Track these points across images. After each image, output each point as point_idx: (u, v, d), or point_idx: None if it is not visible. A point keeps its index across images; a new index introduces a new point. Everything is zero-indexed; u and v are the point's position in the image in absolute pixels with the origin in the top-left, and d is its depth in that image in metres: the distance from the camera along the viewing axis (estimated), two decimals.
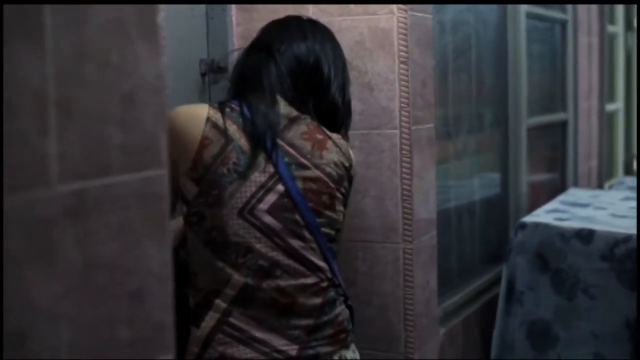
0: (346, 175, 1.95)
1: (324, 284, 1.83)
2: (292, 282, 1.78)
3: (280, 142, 1.84)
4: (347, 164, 1.95)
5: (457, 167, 3.45)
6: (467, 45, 3.47)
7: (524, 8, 3.88)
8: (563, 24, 4.72)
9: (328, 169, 1.89)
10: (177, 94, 2.31)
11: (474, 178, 3.62)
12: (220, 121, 1.79)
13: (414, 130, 2.51)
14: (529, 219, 3.26)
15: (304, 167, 1.85)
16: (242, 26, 2.59)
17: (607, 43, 5.45)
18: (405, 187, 2.51)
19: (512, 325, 3.22)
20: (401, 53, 2.47)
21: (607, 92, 5.56)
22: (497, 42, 3.80)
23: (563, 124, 4.77)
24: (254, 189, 1.77)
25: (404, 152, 2.49)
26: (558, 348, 3.11)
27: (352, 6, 2.51)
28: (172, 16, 2.28)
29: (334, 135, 1.97)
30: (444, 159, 3.31)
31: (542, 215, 3.39)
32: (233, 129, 1.79)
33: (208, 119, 1.78)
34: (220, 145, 1.77)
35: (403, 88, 2.48)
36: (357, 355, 1.93)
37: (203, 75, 2.48)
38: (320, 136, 1.92)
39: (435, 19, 3.07)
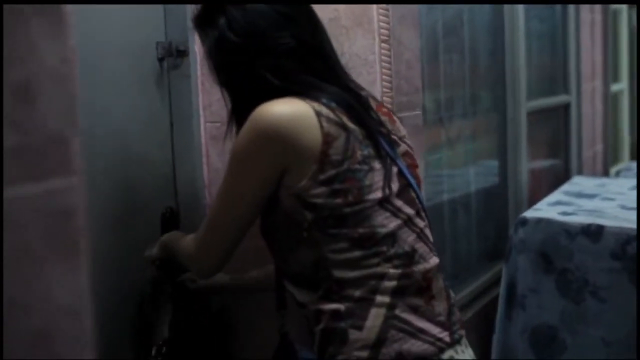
0: None
1: (438, 261, 1.86)
2: (427, 265, 1.79)
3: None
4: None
5: (450, 156, 3.35)
6: (460, 22, 3.33)
7: None
8: None
9: (408, 141, 1.91)
10: (131, 82, 2.21)
11: (469, 167, 3.54)
12: (331, 114, 1.71)
13: (399, 118, 2.26)
14: (530, 213, 3.10)
15: (397, 144, 1.84)
16: None
17: (610, 20, 5.26)
18: None
19: (513, 331, 3.12)
20: (382, 31, 2.28)
21: (611, 72, 5.43)
22: (492, 19, 3.68)
23: (565, 107, 4.68)
24: (381, 177, 1.74)
25: None
26: (565, 356, 3.01)
27: None
28: None
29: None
30: (436, 147, 3.21)
31: (545, 208, 3.22)
32: (345, 118, 1.72)
33: (318, 114, 1.70)
34: (344, 139, 1.70)
35: (385, 71, 2.29)
36: None
37: (160, 60, 2.35)
38: (384, 109, 1.92)
39: None
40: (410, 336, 1.72)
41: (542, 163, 4.45)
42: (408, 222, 1.77)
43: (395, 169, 1.78)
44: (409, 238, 1.76)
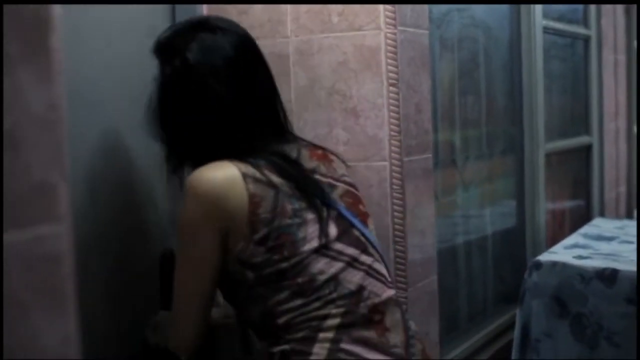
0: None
1: (394, 294, 1.87)
2: (378, 299, 1.80)
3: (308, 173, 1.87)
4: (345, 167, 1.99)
5: (465, 198, 3.31)
6: (475, 63, 3.25)
7: (540, 23, 3.67)
8: (586, 39, 4.56)
9: (346, 179, 1.92)
10: (139, 111, 2.14)
11: (486, 210, 3.48)
12: (257, 173, 1.76)
13: (407, 161, 2.28)
14: (544, 257, 3.05)
15: (333, 186, 1.87)
16: None
17: (634, 60, 5.20)
18: (397, 226, 2.29)
19: None
20: (390, 74, 2.26)
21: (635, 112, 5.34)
22: (510, 59, 3.65)
23: (587, 148, 4.59)
24: (316, 227, 1.78)
25: (394, 186, 2.28)
26: None
27: (335, 21, 2.29)
28: (132, 22, 2.18)
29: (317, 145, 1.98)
30: (450, 190, 3.15)
31: (560, 252, 3.16)
32: (272, 176, 1.78)
33: (244, 175, 1.75)
34: (272, 197, 1.76)
35: (393, 114, 2.27)
36: None
37: None
38: (319, 151, 1.93)
39: (436, 35, 2.82)
40: None
41: (564, 204, 4.38)
42: (352, 262, 1.80)
43: (333, 213, 1.81)
44: (354, 278, 1.78)
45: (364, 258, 1.82)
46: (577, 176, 4.56)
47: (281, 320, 1.77)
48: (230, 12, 2.35)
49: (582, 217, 4.46)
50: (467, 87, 3.22)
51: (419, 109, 2.35)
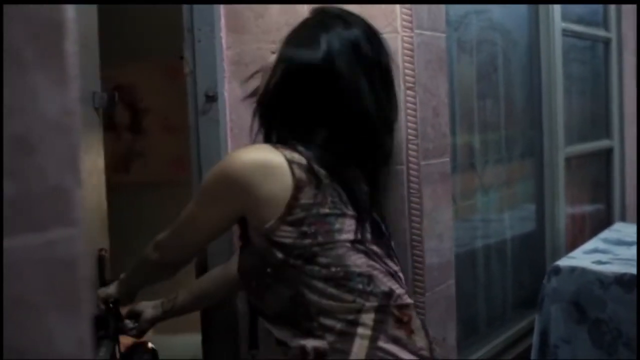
0: None
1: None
2: (404, 302, 1.85)
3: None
4: None
5: (484, 202, 3.28)
6: (494, 66, 3.22)
7: (559, 25, 3.65)
8: (606, 42, 4.51)
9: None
10: None
11: (505, 214, 3.45)
12: (303, 161, 1.79)
13: (424, 165, 2.26)
14: (563, 262, 3.01)
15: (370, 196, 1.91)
16: (233, 50, 2.41)
17: None
18: (414, 230, 2.28)
19: None
20: (407, 78, 2.24)
21: None
22: (529, 62, 3.61)
23: (608, 152, 4.55)
24: (354, 222, 1.81)
25: (412, 190, 2.27)
26: None
27: None
28: None
29: None
30: (469, 193, 3.14)
31: (580, 257, 3.13)
32: (317, 167, 1.80)
33: (290, 162, 1.78)
34: (315, 185, 1.78)
35: (410, 118, 2.25)
36: None
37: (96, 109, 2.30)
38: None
39: (454, 38, 2.80)
40: None
41: (585, 208, 4.34)
42: (383, 265, 1.85)
43: (369, 218, 1.86)
44: (385, 279, 1.83)
45: (392, 264, 1.88)
46: (597, 180, 4.52)
47: (314, 307, 1.78)
48: (247, 15, 2.35)
49: (602, 222, 4.41)
50: (485, 90, 3.20)
51: (436, 112, 2.33)
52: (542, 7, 3.57)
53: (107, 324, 1.98)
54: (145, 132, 4.51)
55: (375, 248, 1.85)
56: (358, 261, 1.80)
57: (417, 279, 2.26)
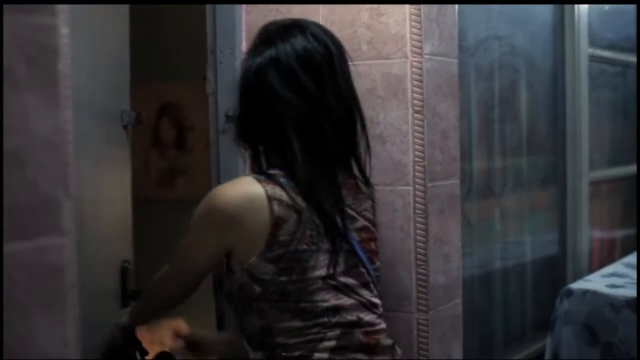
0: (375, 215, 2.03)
1: (385, 326, 1.94)
2: (372, 329, 1.88)
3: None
4: (372, 204, 2.02)
5: (505, 226, 3.29)
6: (514, 91, 3.24)
7: (585, 51, 3.65)
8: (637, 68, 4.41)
9: (367, 215, 1.97)
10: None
11: (526, 237, 3.45)
12: (284, 195, 1.80)
13: (430, 187, 2.29)
14: (576, 285, 3.04)
15: (353, 219, 1.91)
16: None
17: None
18: (419, 250, 2.31)
19: None
20: (415, 102, 2.28)
21: None
22: (553, 87, 3.62)
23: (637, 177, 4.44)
24: (327, 256, 1.83)
25: (418, 211, 2.30)
26: None
27: (364, 49, 2.34)
28: None
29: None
30: (488, 217, 3.12)
31: (595, 280, 3.14)
32: (299, 200, 1.80)
33: (270, 198, 1.78)
34: (295, 221, 1.79)
35: (417, 140, 2.29)
36: None
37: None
38: (351, 180, 1.95)
39: (470, 63, 2.86)
40: None
41: (615, 232, 4.33)
42: (354, 295, 1.87)
43: (346, 246, 1.87)
44: (353, 309, 1.86)
45: (365, 292, 1.89)
46: (628, 204, 4.50)
47: (279, 339, 1.84)
48: None
49: (633, 246, 4.40)
50: (506, 115, 3.23)
51: (445, 135, 2.37)
52: (568, 33, 3.59)
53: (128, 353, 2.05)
54: (190, 150, 4.60)
55: (347, 280, 1.87)
56: (327, 296, 1.83)
57: (420, 297, 2.29)
